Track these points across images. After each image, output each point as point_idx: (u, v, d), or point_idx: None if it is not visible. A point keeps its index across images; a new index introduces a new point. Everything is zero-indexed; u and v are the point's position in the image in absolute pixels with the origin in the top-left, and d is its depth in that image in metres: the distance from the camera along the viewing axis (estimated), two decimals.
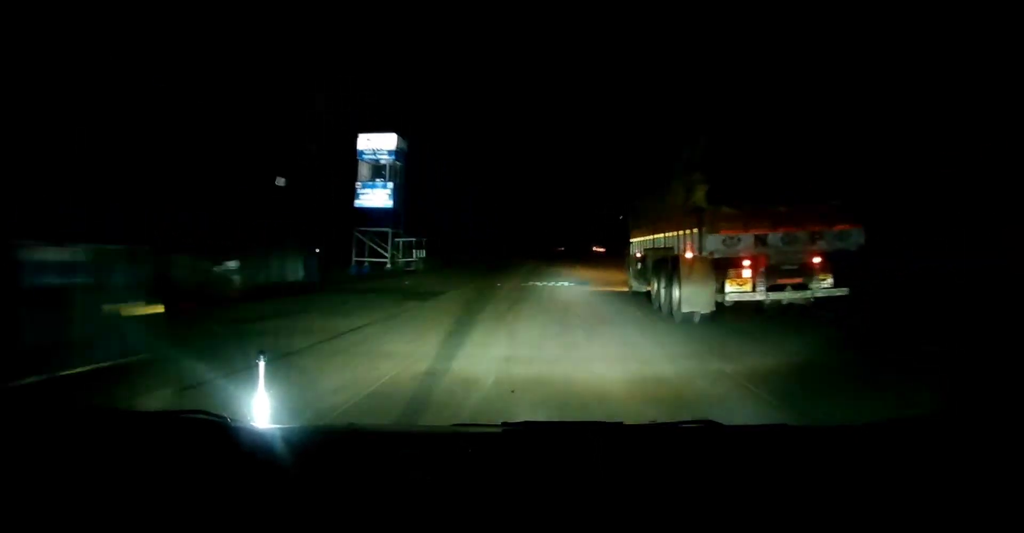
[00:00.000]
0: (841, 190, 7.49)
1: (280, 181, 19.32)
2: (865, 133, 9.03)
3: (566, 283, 17.47)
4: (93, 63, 11.31)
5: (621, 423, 1.41)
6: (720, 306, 7.64)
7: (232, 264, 11.49)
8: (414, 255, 27.58)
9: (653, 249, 10.09)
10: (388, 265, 26.11)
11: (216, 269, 11.16)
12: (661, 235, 9.55)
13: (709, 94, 11.64)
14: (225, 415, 1.36)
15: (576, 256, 44.75)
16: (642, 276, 11.11)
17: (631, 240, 12.35)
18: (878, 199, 8.89)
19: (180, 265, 9.44)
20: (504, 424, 1.39)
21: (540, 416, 2.51)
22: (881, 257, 8.70)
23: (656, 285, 9.38)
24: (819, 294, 7.49)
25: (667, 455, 1.28)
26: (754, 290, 7.49)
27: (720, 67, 14.59)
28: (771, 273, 7.53)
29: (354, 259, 25.96)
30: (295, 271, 13.86)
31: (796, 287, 7.62)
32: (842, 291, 7.45)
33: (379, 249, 26.83)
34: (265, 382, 1.67)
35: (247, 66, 17.83)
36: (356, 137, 26.95)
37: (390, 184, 27.09)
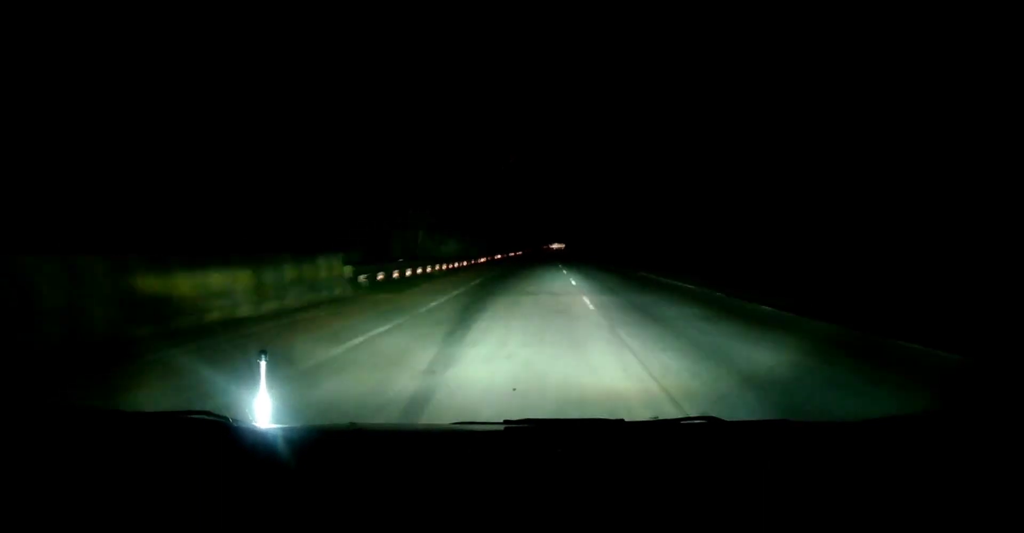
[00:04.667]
0: None
1: None
2: None
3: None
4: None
5: (622, 420, 1.41)
6: None
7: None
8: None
9: None
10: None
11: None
12: None
13: None
14: (227, 415, 1.36)
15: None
16: None
17: None
18: None
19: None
20: (506, 422, 1.39)
21: None
22: None
23: None
24: None
25: (669, 451, 1.27)
26: None
27: None
28: None
29: None
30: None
31: None
32: None
33: None
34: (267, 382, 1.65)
35: None
36: None
37: None
